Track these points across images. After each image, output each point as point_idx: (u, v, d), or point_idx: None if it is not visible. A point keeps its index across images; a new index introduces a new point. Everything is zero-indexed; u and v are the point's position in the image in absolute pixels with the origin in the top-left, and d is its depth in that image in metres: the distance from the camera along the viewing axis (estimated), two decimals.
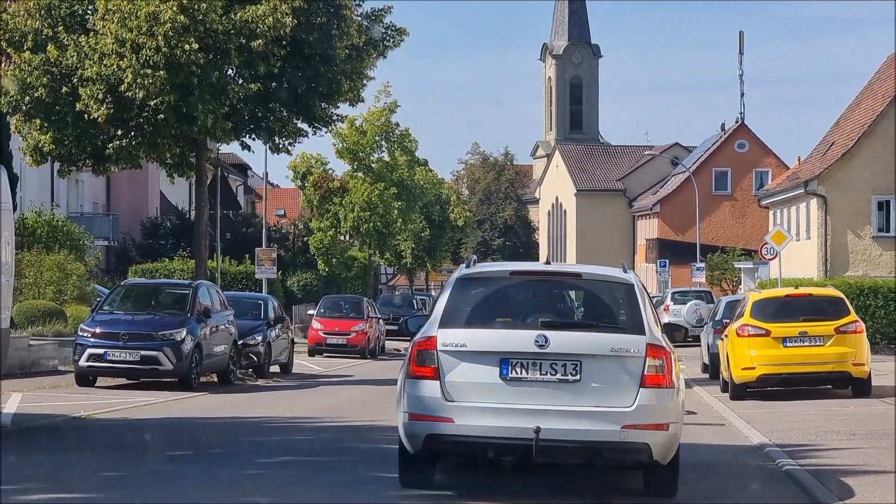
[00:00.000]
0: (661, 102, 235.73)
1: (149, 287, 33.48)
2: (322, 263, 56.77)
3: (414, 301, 69.17)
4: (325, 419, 22.86)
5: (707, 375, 36.69)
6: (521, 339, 12.71)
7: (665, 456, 12.92)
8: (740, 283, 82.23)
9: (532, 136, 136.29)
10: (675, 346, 40.88)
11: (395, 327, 65.54)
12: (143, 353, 28.63)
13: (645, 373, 12.64)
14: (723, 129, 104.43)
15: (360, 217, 55.22)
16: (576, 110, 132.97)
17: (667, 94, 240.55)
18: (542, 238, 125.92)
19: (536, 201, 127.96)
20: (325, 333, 49.31)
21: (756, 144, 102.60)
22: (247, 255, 57.03)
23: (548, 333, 12.65)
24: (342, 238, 56.94)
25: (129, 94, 31.01)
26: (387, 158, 56.91)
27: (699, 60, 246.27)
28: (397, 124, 57.20)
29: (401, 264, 78.95)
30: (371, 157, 56.71)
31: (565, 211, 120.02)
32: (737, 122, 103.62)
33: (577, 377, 12.61)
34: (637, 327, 12.95)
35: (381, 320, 54.82)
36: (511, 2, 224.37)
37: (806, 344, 27.36)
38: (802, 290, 30.09)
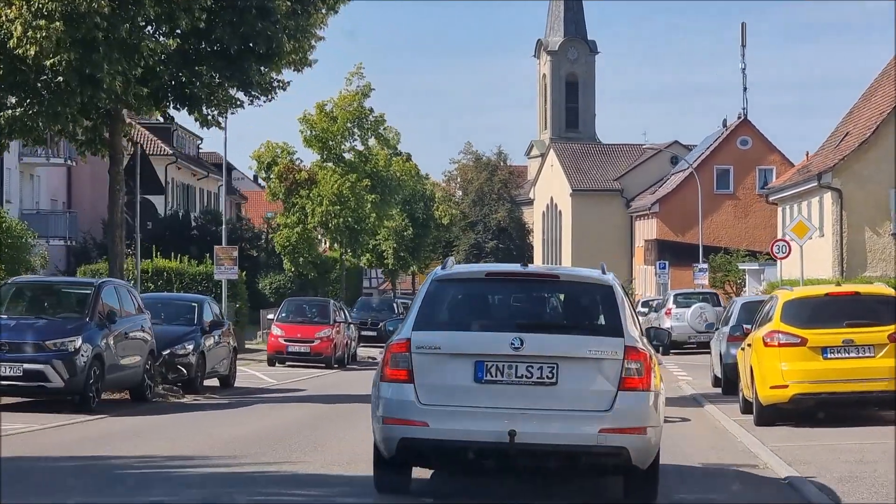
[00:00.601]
0: (659, 100, 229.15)
1: (41, 286, 27.52)
2: (288, 263, 50.62)
3: (394, 304, 63.18)
4: (222, 460, 16.74)
5: (719, 390, 30.77)
6: (495, 342, 12.39)
7: (644, 461, 12.48)
8: (745, 286, 76.82)
9: (526, 136, 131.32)
10: (677, 354, 35.51)
11: (374, 333, 60.19)
12: (26, 366, 23.01)
13: (623, 375, 12.32)
14: (724, 125, 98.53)
15: (328, 211, 48.96)
16: (571, 108, 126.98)
17: (666, 92, 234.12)
18: (537, 240, 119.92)
19: (531, 202, 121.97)
20: (285, 340, 43.38)
21: (759, 141, 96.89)
22: (206, 255, 51.04)
23: (523, 335, 12.35)
24: (313, 235, 50.66)
25: (20, 52, 24.98)
26: (360, 147, 50.68)
27: (700, 57, 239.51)
28: (371, 110, 50.85)
29: (382, 265, 72.76)
30: (342, 146, 50.48)
31: (560, 212, 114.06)
32: (739, 117, 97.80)
33: (554, 380, 12.31)
34: (615, 329, 12.59)
35: (352, 325, 48.89)
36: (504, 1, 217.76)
37: (852, 355, 21.25)
38: (846, 288, 23.62)
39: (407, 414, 12.32)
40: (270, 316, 45.05)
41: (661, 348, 47.91)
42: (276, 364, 43.68)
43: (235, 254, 49.50)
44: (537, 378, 12.31)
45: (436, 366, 12.40)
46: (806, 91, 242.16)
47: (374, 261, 71.04)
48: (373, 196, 49.30)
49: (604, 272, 13.39)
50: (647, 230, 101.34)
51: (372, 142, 50.23)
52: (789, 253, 52.06)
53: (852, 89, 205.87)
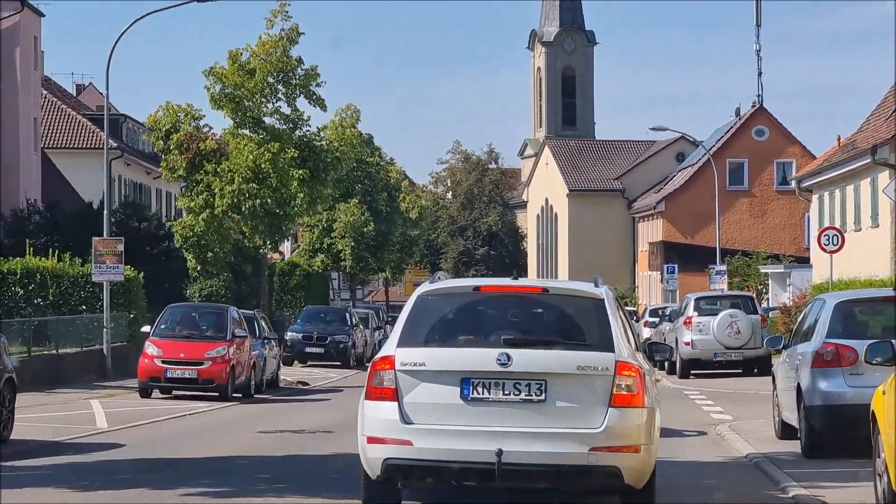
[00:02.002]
0: (664, 96, 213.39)
1: None
2: (192, 259, 37.57)
3: (348, 315, 50.01)
4: None
5: (795, 447, 17.94)
6: (482, 358, 11.73)
7: (638, 480, 11.81)
8: (766, 291, 64.16)
9: (519, 137, 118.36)
10: (701, 377, 29.59)
11: (321, 349, 47.32)
12: None
13: (614, 392, 11.66)
14: (738, 114, 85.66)
15: (241, 190, 35.81)
16: (568, 104, 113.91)
17: (670, 88, 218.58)
18: (531, 246, 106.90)
19: (524, 205, 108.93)
20: (163, 362, 30.42)
21: (777, 131, 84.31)
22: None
23: (510, 351, 11.68)
24: (227, 224, 37.35)
25: None
26: (286, 110, 37.51)
27: (707, 46, 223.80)
28: (300, 60, 37.41)
29: (338, 267, 59.67)
30: (262, 108, 37.30)
31: (556, 214, 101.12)
32: (753, 105, 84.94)
33: (542, 397, 11.70)
34: (606, 344, 11.88)
35: (271, 342, 35.92)
36: None
37: None
38: None
39: (391, 433, 11.67)
40: (146, 328, 31.95)
41: (662, 364, 34.76)
42: (153, 394, 30.70)
43: (121, 248, 36.63)
44: (525, 396, 11.67)
45: (421, 383, 11.76)
46: (831, 67, 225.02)
47: (328, 263, 58.02)
48: (301, 171, 36.24)
49: (596, 285, 12.57)
50: (651, 232, 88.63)
51: (302, 103, 37.45)
52: (841, 245, 39.33)
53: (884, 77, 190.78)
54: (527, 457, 11.52)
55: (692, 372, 37.67)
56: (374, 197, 55.83)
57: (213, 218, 36.84)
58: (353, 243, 55.14)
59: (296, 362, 48.60)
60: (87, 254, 43.13)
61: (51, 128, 67.63)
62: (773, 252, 75.04)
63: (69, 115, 68.59)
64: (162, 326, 31.42)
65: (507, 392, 11.65)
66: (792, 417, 18.59)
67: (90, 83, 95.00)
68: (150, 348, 30.67)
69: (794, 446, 18.55)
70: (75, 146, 67.47)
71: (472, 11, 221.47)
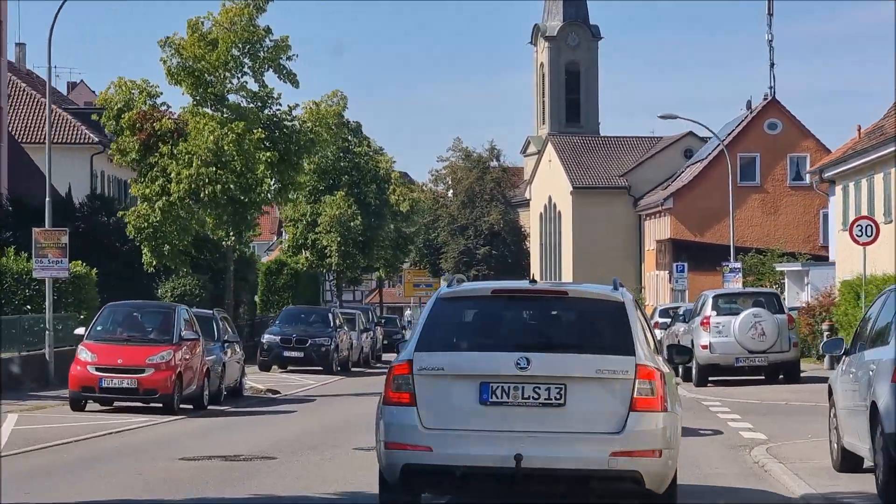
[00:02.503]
0: (670, 90, 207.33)
1: None
2: (147, 253, 32.76)
3: (331, 316, 45.38)
4: None
5: (860, 483, 13.26)
6: (501, 362, 11.44)
7: (659, 485, 11.47)
8: (783, 290, 59.35)
9: (522, 135, 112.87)
10: (720, 385, 26.77)
11: (300, 353, 42.78)
12: None
13: (634, 396, 11.33)
14: (749, 107, 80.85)
15: (200, 175, 30.91)
16: (572, 100, 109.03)
17: (677, 81, 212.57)
18: (534, 245, 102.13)
19: (527, 204, 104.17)
20: (98, 370, 25.83)
21: (791, 124, 79.71)
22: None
23: (529, 355, 11.39)
24: (187, 215, 32.40)
25: None
26: (253, 86, 32.64)
27: (716, 40, 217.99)
28: (268, 30, 32.51)
29: (323, 264, 54.71)
30: (226, 84, 32.41)
31: (560, 212, 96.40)
32: (766, 98, 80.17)
33: (561, 401, 11.37)
34: (626, 348, 11.55)
35: (234, 345, 31.40)
36: None
37: None
38: None
39: (410, 438, 11.42)
40: (80, 331, 27.22)
41: (676, 370, 30.19)
42: (88, 406, 26.08)
43: (65, 240, 32.03)
44: (544, 399, 11.41)
45: (439, 388, 11.49)
46: (845, 57, 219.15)
47: (314, 259, 53.10)
48: (269, 154, 31.41)
49: (616, 288, 12.24)
50: (658, 230, 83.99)
51: (272, 79, 32.61)
52: (876, 236, 34.67)
53: None
54: (546, 461, 11.22)
55: (710, 379, 32.97)
56: (361, 189, 50.83)
57: (171, 206, 32.12)
58: (339, 238, 50.24)
59: (275, 367, 44.17)
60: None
61: (32, 123, 63.41)
62: (786, 250, 70.49)
63: (52, 110, 64.07)
64: (98, 328, 26.75)
65: (526, 396, 11.40)
66: (860, 446, 13.95)
67: (81, 80, 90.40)
68: (84, 353, 26.04)
69: (863, 483, 14.02)
70: (56, 141, 63.15)
71: (473, 6, 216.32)
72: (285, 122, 32.90)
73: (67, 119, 64.48)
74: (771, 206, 79.39)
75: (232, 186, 31.54)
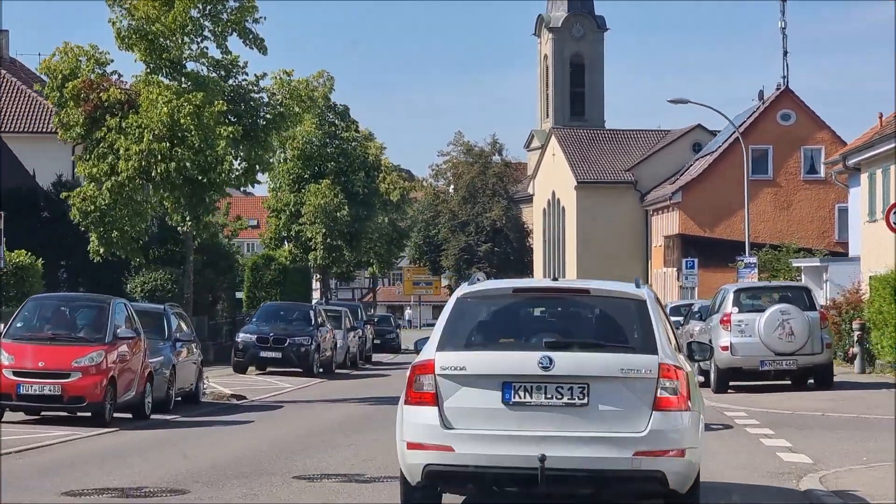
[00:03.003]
0: (678, 83, 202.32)
1: None
2: (95, 240, 28.54)
3: (313, 313, 41.25)
4: None
5: None
6: (523, 362, 11.21)
7: (683, 484, 11.24)
8: None
9: (525, 129, 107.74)
10: (742, 391, 24.57)
11: (278, 354, 38.80)
12: None
13: (658, 395, 11.09)
14: (761, 97, 76.55)
15: (152, 152, 26.69)
16: (577, 93, 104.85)
17: (685, 74, 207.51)
18: (537, 241, 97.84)
19: (530, 200, 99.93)
20: (17, 374, 21.77)
21: (805, 115, 75.54)
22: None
23: (552, 354, 11.15)
24: (140, 197, 28.13)
25: None
26: (215, 53, 28.32)
27: (726, 32, 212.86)
28: None
29: (308, 258, 50.29)
30: (185, 51, 28.09)
31: (563, 208, 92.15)
32: (778, 87, 75.97)
33: (585, 401, 11.12)
34: (649, 347, 11.32)
35: (191, 345, 27.35)
36: None
37: None
38: None
39: (432, 439, 11.18)
40: None
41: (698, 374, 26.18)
42: (4, 416, 21.95)
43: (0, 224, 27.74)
44: (568, 399, 11.16)
45: (461, 388, 11.25)
46: (860, 46, 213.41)
47: (297, 253, 48.65)
48: (231, 129, 27.13)
49: (638, 286, 12.07)
50: (666, 225, 79.82)
51: (236, 44, 28.36)
52: None
53: None
54: (570, 462, 10.98)
55: (731, 384, 28.76)
56: (349, 177, 46.52)
57: (120, 188, 27.93)
58: (324, 230, 45.88)
59: (254, 369, 40.13)
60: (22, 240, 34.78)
61: (11, 112, 59.52)
62: (800, 247, 66.38)
63: (32, 98, 60.09)
64: (18, 325, 22.57)
65: (549, 396, 11.19)
66: None
67: None
68: (1, 355, 21.85)
69: None
70: (36, 130, 59.26)
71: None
72: (251, 94, 28.74)
73: (46, 106, 60.44)
74: (784, 201, 75.26)
75: (188, 164, 27.30)
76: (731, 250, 67.15)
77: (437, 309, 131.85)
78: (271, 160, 28.93)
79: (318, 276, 62.20)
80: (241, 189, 41.77)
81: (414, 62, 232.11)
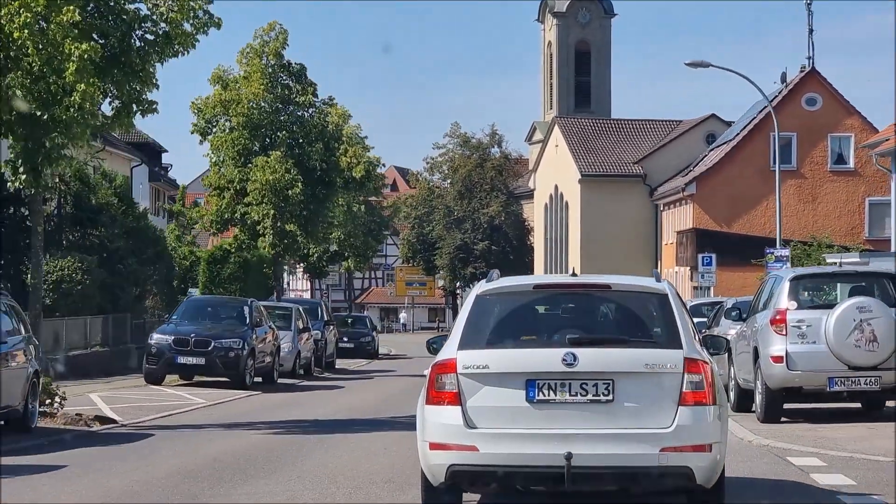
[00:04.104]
0: (689, 73, 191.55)
1: None
2: None
3: (247, 310, 32.70)
4: None
5: None
6: (547, 359, 10.83)
7: (709, 479, 10.85)
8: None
9: (527, 121, 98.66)
10: (796, 420, 19.58)
11: (201, 359, 30.49)
12: None
13: (683, 390, 10.74)
14: (784, 80, 67.77)
15: None
16: (582, 83, 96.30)
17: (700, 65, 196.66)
18: (538, 239, 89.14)
19: (531, 195, 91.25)
20: None
21: (832, 100, 67.16)
22: None
23: (576, 351, 10.78)
24: None
25: None
26: None
27: (743, 18, 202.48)
28: None
29: (251, 245, 41.23)
30: None
31: (567, 203, 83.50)
32: (803, 70, 67.29)
33: (610, 397, 10.75)
34: (673, 341, 10.98)
35: (18, 347, 18.70)
36: None
37: None
38: None
39: (455, 438, 10.78)
40: None
41: (736, 395, 21.24)
42: None
43: None
44: (593, 396, 10.76)
45: (484, 386, 10.85)
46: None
47: (244, 239, 39.60)
48: (86, 47, 18.61)
49: (658, 280, 11.62)
50: (679, 220, 71.36)
51: None
52: None
53: None
54: (597, 459, 10.66)
55: (787, 406, 20.03)
56: (304, 150, 37.69)
57: None
58: (273, 211, 37.19)
59: (176, 378, 31.78)
60: None
61: None
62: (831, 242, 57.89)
63: None
64: None
65: (573, 393, 10.78)
66: None
67: None
68: None
69: None
70: None
71: None
72: (123, 2, 20.16)
73: None
74: (808, 194, 66.68)
75: (19, 93, 18.78)
76: (751, 247, 59.02)
77: (433, 311, 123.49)
78: (150, 97, 20.38)
79: (290, 270, 53.90)
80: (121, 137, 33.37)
81: (409, 46, 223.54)
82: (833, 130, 66.51)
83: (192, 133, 41.81)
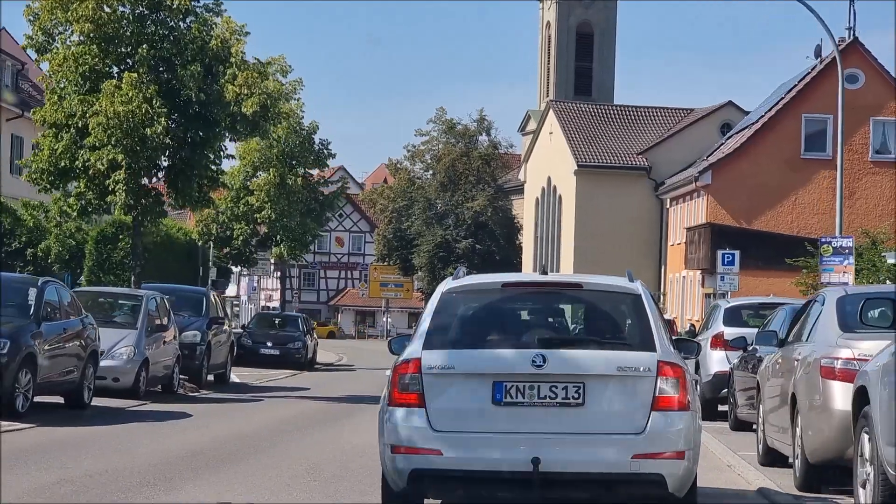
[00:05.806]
0: (700, 60, 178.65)
1: None
2: None
3: (33, 301, 19.90)
4: None
5: None
6: (515, 360, 10.31)
7: (681, 488, 10.29)
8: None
9: (521, 111, 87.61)
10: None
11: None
12: None
13: (656, 394, 10.18)
14: (818, 55, 55.56)
15: None
16: (583, 68, 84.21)
17: (710, 50, 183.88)
18: (528, 237, 76.81)
19: (521, 190, 79.01)
20: None
21: (876, 76, 55.65)
22: None
23: (545, 352, 10.22)
24: None
25: None
26: None
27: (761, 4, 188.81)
28: None
29: (102, 206, 28.53)
30: None
31: (560, 196, 71.23)
32: (842, 41, 54.85)
33: (580, 400, 10.19)
34: (646, 343, 10.44)
35: None
36: None
37: None
38: None
39: (418, 442, 10.18)
40: None
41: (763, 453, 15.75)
42: None
43: None
44: (562, 399, 10.19)
45: (449, 388, 10.26)
46: None
47: (91, 199, 26.59)
48: None
49: (631, 280, 11.05)
50: (689, 217, 59.40)
51: None
52: None
53: None
54: (566, 465, 10.08)
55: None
56: (176, 73, 25.12)
57: None
58: (125, 158, 24.85)
59: None
60: None
61: None
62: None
63: None
64: None
65: (542, 396, 10.20)
66: None
67: (2, 27, 65.03)
68: None
69: None
70: None
71: None
72: None
73: None
74: (846, 187, 54.02)
75: None
76: (778, 247, 47.31)
77: (413, 316, 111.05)
78: None
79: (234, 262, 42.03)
80: None
81: (406, 40, 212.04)
82: (877, 113, 54.58)
83: (25, 49, 29.61)
